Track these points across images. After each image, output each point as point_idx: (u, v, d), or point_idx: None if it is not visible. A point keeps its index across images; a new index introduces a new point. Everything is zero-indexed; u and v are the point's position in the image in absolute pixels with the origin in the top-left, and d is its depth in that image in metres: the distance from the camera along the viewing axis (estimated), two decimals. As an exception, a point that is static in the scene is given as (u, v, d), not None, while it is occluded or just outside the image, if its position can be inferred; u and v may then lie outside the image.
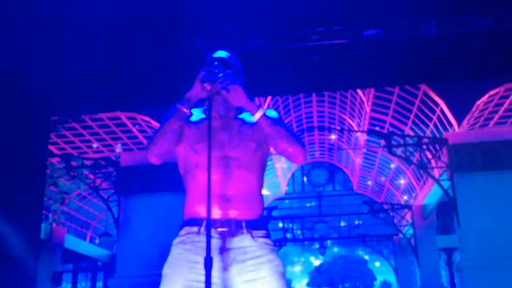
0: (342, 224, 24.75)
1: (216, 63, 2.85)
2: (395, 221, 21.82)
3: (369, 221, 24.18)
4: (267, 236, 2.79)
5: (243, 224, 2.73)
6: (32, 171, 10.23)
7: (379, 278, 36.15)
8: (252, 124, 2.86)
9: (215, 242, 2.65)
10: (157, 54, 9.04)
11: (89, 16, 8.35)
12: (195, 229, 2.71)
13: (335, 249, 33.45)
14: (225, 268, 2.68)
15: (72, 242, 18.35)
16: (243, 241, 2.71)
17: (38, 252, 11.20)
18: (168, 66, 9.12)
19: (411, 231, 21.03)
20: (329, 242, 27.25)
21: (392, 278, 29.91)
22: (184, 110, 2.75)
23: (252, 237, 2.72)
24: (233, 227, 2.71)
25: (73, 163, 15.99)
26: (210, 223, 2.43)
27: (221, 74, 2.73)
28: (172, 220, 14.57)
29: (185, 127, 2.85)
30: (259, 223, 2.78)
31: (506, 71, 11.10)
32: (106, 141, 18.52)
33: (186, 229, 2.77)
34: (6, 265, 8.38)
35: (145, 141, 18.30)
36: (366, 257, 34.79)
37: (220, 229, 2.70)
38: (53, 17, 8.39)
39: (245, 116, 2.94)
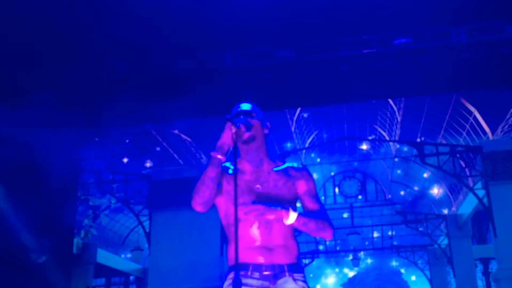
0: (375, 235, 24.64)
1: (241, 116, 3.02)
2: (429, 231, 21.61)
3: (403, 232, 24.07)
4: (305, 279, 3.03)
5: (285, 268, 2.98)
6: (64, 188, 10.29)
7: (414, 288, 35.88)
8: (286, 179, 3.09)
9: (263, 284, 2.95)
10: (188, 68, 9.05)
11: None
12: (242, 273, 2.90)
13: (369, 261, 33.23)
14: None
15: (104, 257, 18.52)
16: (286, 283, 2.96)
17: (71, 267, 11.27)
18: (199, 80, 9.14)
19: (446, 241, 20.87)
20: (362, 253, 27.13)
21: (427, 289, 29.66)
22: (218, 156, 2.88)
23: (294, 279, 2.97)
24: (277, 271, 2.96)
25: (104, 178, 16.13)
26: (239, 266, 2.75)
27: (253, 115, 3.04)
28: (203, 235, 14.55)
29: (224, 180, 3.02)
30: (298, 267, 3.05)
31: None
32: (136, 156, 18.66)
33: (236, 272, 2.87)
34: (40, 281, 8.42)
35: (175, 155, 18.40)
36: (402, 270, 34.50)
37: (265, 273, 2.95)
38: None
39: (278, 169, 3.13)
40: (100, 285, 20.60)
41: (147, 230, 15.72)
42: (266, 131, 3.10)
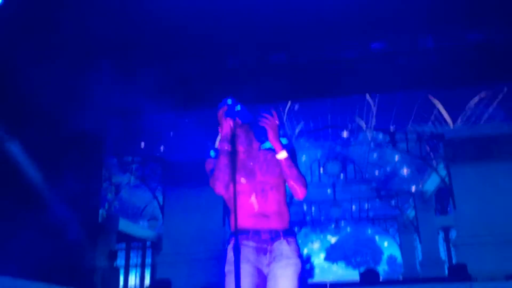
0: (354, 207, 24.63)
1: (228, 102, 3.00)
2: (399, 204, 21.77)
3: (377, 205, 24.05)
4: (297, 242, 3.07)
5: (281, 233, 3.02)
6: (91, 167, 10.46)
7: (386, 253, 35.97)
8: (273, 153, 3.05)
9: (260, 245, 3.00)
10: (196, 69, 9.17)
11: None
12: (244, 237, 2.97)
13: (348, 229, 33.24)
14: (268, 264, 3.00)
15: (124, 225, 18.50)
16: (281, 245, 3.01)
17: (97, 234, 11.41)
18: (206, 79, 9.22)
19: (413, 213, 21.01)
20: (342, 223, 27.16)
21: (397, 253, 29.79)
22: (226, 148, 2.92)
23: (288, 242, 3.02)
24: (273, 235, 3.00)
25: (125, 160, 16.22)
26: (240, 232, 2.82)
27: (238, 107, 2.98)
28: (208, 208, 14.66)
29: None
30: (291, 231, 3.09)
31: (494, 78, 11.04)
32: (152, 141, 18.61)
33: (239, 237, 2.94)
34: (71, 246, 8.58)
35: (185, 141, 18.37)
36: (377, 238, 34.62)
37: (264, 237, 2.99)
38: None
39: (266, 146, 3.13)
40: (121, 249, 20.58)
41: (161, 203, 15.80)
42: (251, 117, 3.09)
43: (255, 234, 2.99)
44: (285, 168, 2.97)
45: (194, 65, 9.49)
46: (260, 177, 3.01)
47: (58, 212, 8.39)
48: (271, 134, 2.92)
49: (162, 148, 18.01)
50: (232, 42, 8.61)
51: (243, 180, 2.99)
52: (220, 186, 2.94)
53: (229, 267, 2.93)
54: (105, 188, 16.32)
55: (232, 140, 2.92)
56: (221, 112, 2.99)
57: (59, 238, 8.18)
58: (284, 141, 3.11)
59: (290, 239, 3.03)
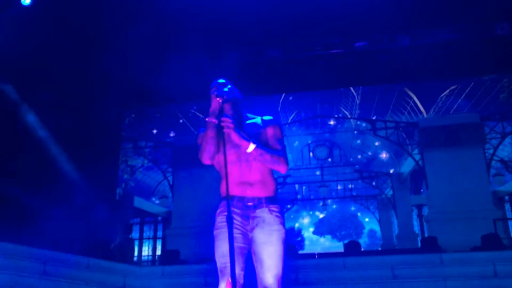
0: (339, 187, 24.72)
1: (221, 81, 2.95)
2: (379, 185, 21.82)
3: (359, 185, 24.13)
4: (279, 210, 2.93)
5: (263, 200, 2.90)
6: (109, 151, 10.44)
7: (367, 227, 36.11)
8: (257, 128, 2.99)
9: (245, 212, 2.89)
10: (200, 64, 9.12)
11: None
12: (232, 202, 2.85)
13: (334, 206, 33.45)
14: (252, 229, 2.89)
15: (139, 202, 18.52)
16: (263, 212, 2.89)
17: (115, 209, 11.41)
18: (208, 72, 9.19)
19: (391, 192, 21.04)
20: (329, 201, 27.29)
21: (376, 227, 29.88)
22: (212, 120, 2.84)
23: (270, 211, 2.90)
24: (256, 202, 2.89)
25: (139, 144, 16.21)
26: (229, 198, 2.62)
27: (227, 88, 2.90)
28: (211, 187, 14.67)
29: None
30: (274, 199, 2.95)
31: (463, 72, 11.01)
32: (163, 128, 18.59)
33: (224, 203, 2.89)
34: (93, 219, 8.60)
35: (192, 128, 18.38)
36: (359, 214, 34.75)
37: (248, 203, 2.89)
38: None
39: (253, 121, 3.03)
40: (136, 223, 20.65)
41: (171, 182, 15.81)
42: (239, 96, 3.01)
43: (240, 200, 2.89)
44: (257, 157, 2.84)
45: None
46: (244, 149, 2.84)
47: (82, 191, 8.43)
48: (232, 136, 2.77)
49: (171, 134, 18.00)
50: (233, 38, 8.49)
51: (231, 150, 2.84)
52: (206, 157, 2.89)
53: (217, 231, 2.87)
54: (122, 169, 16.31)
55: (219, 115, 2.81)
56: (211, 91, 2.91)
57: (83, 214, 8.22)
58: (267, 117, 3.04)
59: (272, 207, 2.91)
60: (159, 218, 21.19)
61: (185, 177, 14.76)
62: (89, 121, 8.60)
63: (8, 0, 6.84)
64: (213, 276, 8.33)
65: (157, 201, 21.69)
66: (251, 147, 2.81)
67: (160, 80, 9.68)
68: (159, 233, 21.22)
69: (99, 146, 9.27)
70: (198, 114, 17.92)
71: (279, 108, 19.50)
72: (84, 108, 8.68)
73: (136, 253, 19.68)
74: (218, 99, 2.84)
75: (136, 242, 20.47)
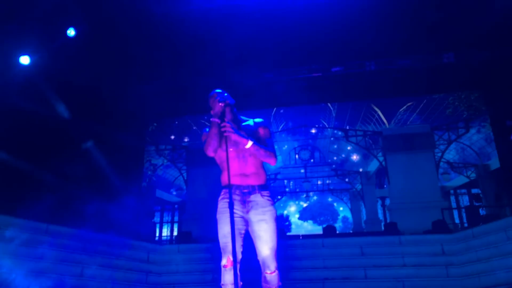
0: (319, 182, 24.68)
1: (219, 91, 2.99)
2: (351, 181, 21.79)
3: (335, 181, 24.08)
4: (270, 195, 2.96)
5: (256, 187, 2.91)
6: (136, 153, 10.41)
7: (341, 214, 36.01)
8: (252, 129, 2.99)
9: (242, 198, 2.90)
10: (208, 84, 9.10)
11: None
12: (231, 190, 2.83)
13: (315, 197, 33.34)
14: (247, 212, 2.89)
15: (160, 193, 18.54)
16: (256, 197, 2.90)
17: (141, 199, 11.38)
18: (213, 88, 9.18)
19: (360, 186, 21.00)
20: (311, 193, 27.22)
21: (348, 214, 29.79)
22: (216, 120, 2.86)
23: (262, 195, 2.91)
24: (251, 189, 2.90)
25: (160, 147, 16.16)
26: (231, 187, 2.73)
27: (226, 94, 2.95)
28: (217, 181, 14.66)
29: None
30: (265, 187, 2.96)
31: (417, 92, 11.03)
32: (179, 134, 18.55)
33: (225, 191, 2.92)
34: (124, 208, 8.56)
35: (202, 133, 18.32)
36: (335, 204, 34.66)
37: (244, 190, 2.91)
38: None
39: (247, 123, 3.05)
40: (158, 210, 20.63)
41: (185, 178, 15.68)
42: (234, 101, 2.99)
43: (237, 188, 2.90)
44: (253, 152, 2.87)
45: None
46: (242, 146, 2.88)
47: (115, 185, 8.41)
48: (233, 137, 2.79)
49: (186, 139, 17.97)
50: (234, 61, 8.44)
51: (230, 148, 2.86)
52: (210, 150, 2.89)
53: (219, 215, 2.87)
54: (146, 167, 16.29)
55: (222, 116, 2.83)
56: (213, 98, 2.92)
57: (115, 202, 8.19)
58: (258, 120, 3.05)
59: (264, 192, 2.92)
60: (176, 206, 21.15)
61: (197, 173, 14.69)
62: (122, 131, 8.61)
63: (56, 32, 6.84)
64: (218, 253, 8.33)
65: (174, 193, 21.65)
66: (249, 144, 2.83)
67: (176, 97, 9.69)
68: (176, 218, 21.19)
69: (129, 149, 9.27)
70: (207, 123, 17.88)
71: (271, 119, 19.48)
72: (118, 121, 8.71)
73: (157, 234, 19.64)
74: (221, 103, 2.85)
75: (158, 225, 20.43)
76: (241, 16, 7.35)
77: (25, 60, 6.62)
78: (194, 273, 7.61)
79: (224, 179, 2.94)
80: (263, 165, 3.00)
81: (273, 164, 2.93)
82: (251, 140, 2.85)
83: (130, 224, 9.09)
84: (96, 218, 6.71)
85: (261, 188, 2.92)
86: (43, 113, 6.90)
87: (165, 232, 20.97)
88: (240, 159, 2.90)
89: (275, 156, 2.93)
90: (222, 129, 2.76)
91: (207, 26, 7.42)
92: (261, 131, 3.01)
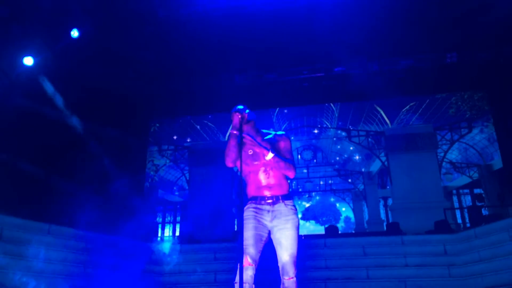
0: (321, 182, 24.70)
1: (241, 107, 2.97)
2: (353, 181, 21.79)
3: (338, 181, 24.11)
4: (293, 204, 3.04)
5: (280, 197, 3.00)
6: (139, 154, 10.42)
7: (344, 215, 35.94)
8: (273, 142, 3.06)
9: (267, 207, 2.99)
10: (211, 84, 9.11)
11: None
12: (255, 201, 3.01)
13: (317, 197, 33.28)
14: (271, 220, 2.98)
15: (162, 193, 18.56)
16: (280, 207, 3.00)
17: (144, 198, 11.37)
18: (219, 92, 9.18)
19: (362, 187, 20.98)
20: (313, 193, 27.23)
21: (351, 215, 29.76)
22: (234, 132, 2.91)
23: (285, 205, 3.00)
24: (275, 200, 3.00)
25: (162, 148, 16.19)
26: (242, 200, 2.71)
27: (247, 111, 2.95)
28: (221, 183, 14.50)
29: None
30: (289, 196, 3.06)
31: (420, 92, 11.01)
32: (181, 134, 18.54)
33: (251, 202, 3.03)
34: (128, 206, 8.58)
35: (204, 135, 18.34)
36: (337, 204, 34.61)
37: (268, 201, 2.99)
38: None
39: (269, 137, 3.09)
40: (160, 210, 20.66)
41: (187, 178, 15.73)
42: (255, 117, 3.02)
43: (262, 199, 2.99)
44: (274, 163, 2.96)
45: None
46: (264, 160, 2.99)
47: (119, 185, 8.42)
48: (256, 148, 2.94)
49: (188, 139, 17.97)
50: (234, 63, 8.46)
51: (254, 162, 2.98)
52: (229, 161, 2.96)
53: (245, 221, 2.97)
54: (149, 167, 16.31)
55: (240, 128, 2.87)
56: (233, 112, 2.95)
57: (119, 202, 8.20)
58: (280, 132, 3.13)
59: (287, 202, 3.01)
60: (178, 205, 21.18)
61: (199, 174, 14.70)
62: (124, 131, 8.63)
63: (60, 33, 6.86)
64: (221, 253, 8.36)
65: (176, 193, 21.70)
66: (270, 155, 2.94)
67: (178, 98, 9.71)
68: (178, 218, 21.22)
69: (132, 149, 9.28)
70: (210, 124, 17.89)
71: (274, 119, 19.49)
72: (121, 121, 8.72)
73: (160, 233, 19.66)
74: (237, 115, 2.88)
75: (160, 225, 20.46)
76: (244, 18, 7.35)
77: (28, 61, 6.63)
78: (196, 273, 7.61)
79: (249, 191, 3.07)
80: (285, 176, 3.10)
81: (291, 177, 3.01)
82: (272, 152, 2.94)
83: (132, 224, 9.11)
84: (98, 218, 6.72)
85: (285, 197, 3.02)
86: (45, 113, 6.91)
87: (167, 231, 21.00)
88: (263, 173, 3.01)
89: (295, 169, 3.01)
90: (244, 140, 2.86)
91: (209, 27, 7.44)
92: (282, 143, 3.09)
